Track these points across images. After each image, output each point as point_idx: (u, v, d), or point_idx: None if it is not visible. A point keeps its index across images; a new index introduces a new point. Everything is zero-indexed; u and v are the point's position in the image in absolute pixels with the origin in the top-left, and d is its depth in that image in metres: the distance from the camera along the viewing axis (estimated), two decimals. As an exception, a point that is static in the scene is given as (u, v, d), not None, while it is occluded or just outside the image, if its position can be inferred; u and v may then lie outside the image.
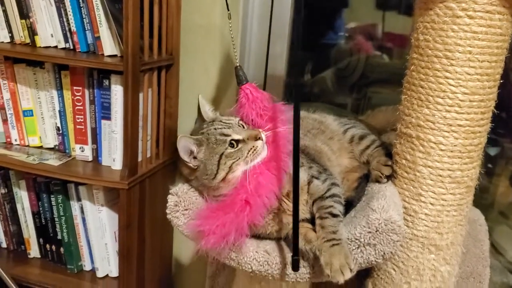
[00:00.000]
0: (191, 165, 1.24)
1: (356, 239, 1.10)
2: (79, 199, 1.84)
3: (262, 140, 1.20)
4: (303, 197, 1.20)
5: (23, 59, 1.79)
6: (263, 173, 1.15)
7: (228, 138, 1.21)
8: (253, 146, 1.20)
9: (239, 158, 1.18)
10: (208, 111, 1.35)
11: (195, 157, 1.24)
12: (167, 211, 1.20)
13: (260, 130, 1.22)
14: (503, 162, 2.16)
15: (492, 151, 2.11)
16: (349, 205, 1.23)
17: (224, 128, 1.23)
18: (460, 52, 1.01)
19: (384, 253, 1.10)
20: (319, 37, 2.36)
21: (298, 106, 0.98)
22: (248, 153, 1.18)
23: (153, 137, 1.87)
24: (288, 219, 1.19)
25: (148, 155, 1.86)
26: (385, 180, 1.24)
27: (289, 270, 1.13)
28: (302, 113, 1.33)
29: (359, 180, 1.32)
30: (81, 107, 1.77)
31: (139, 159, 1.79)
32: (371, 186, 1.24)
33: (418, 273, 1.18)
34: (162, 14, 1.79)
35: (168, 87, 1.90)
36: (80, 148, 1.81)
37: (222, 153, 1.20)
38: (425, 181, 1.14)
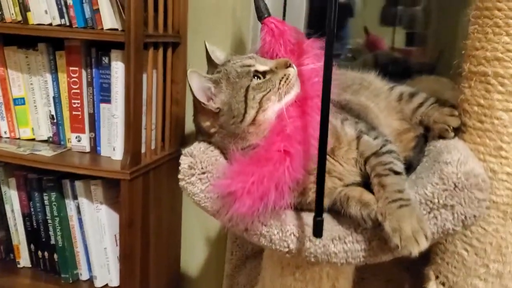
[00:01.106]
0: (212, 107, 1.02)
1: (428, 201, 0.86)
2: (75, 197, 1.63)
3: (294, 68, 1.00)
4: (351, 155, 0.99)
5: (14, 40, 1.62)
6: (301, 116, 0.93)
7: (252, 68, 1.01)
8: (285, 74, 0.99)
9: (270, 90, 0.97)
10: (219, 56, 1.14)
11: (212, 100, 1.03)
12: (180, 176, 0.96)
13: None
14: None
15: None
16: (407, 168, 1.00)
17: (245, 59, 1.03)
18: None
19: (465, 217, 0.86)
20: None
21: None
22: (280, 83, 0.97)
23: (158, 125, 1.67)
24: (334, 182, 0.96)
25: (153, 146, 1.66)
26: (452, 134, 1.02)
27: (317, 242, 0.89)
28: (338, 70, 1.11)
29: (416, 139, 1.10)
30: (78, 90, 1.58)
31: (143, 150, 1.59)
32: (433, 144, 1.02)
33: (500, 252, 0.93)
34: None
35: (174, 70, 1.71)
36: (76, 138, 1.61)
37: (248, 86, 0.99)
38: (506, 130, 0.91)
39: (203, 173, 0.93)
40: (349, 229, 0.92)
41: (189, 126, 1.82)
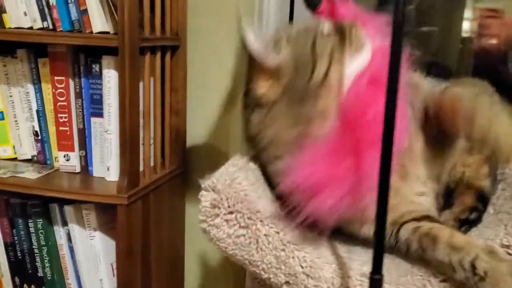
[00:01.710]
0: (273, 63, 0.85)
1: None
2: (64, 223, 1.43)
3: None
4: None
5: (-11, 48, 1.42)
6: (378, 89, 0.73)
7: (318, 24, 0.88)
8: (354, 29, 0.85)
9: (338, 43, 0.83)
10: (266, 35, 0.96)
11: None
12: (201, 217, 0.76)
13: None
14: None
15: None
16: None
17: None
18: None
19: None
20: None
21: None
22: (351, 32, 0.83)
23: (157, 140, 1.48)
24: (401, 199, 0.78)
25: (152, 163, 1.47)
26: None
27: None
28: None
29: (488, 161, 0.91)
30: (65, 103, 1.39)
31: (141, 168, 1.40)
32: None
33: None
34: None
35: (174, 77, 1.52)
36: (64, 157, 1.42)
37: (315, 38, 0.84)
38: None
39: (231, 212, 0.74)
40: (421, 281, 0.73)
41: (191, 139, 1.64)
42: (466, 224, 0.82)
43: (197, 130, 1.63)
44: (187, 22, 1.54)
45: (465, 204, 0.84)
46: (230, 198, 0.74)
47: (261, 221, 0.73)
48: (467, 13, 1.77)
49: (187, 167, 1.64)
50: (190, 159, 1.65)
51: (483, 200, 0.82)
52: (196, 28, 1.56)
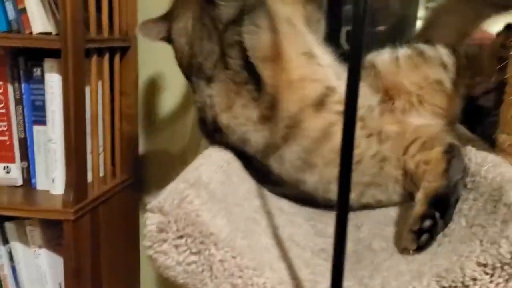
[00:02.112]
0: None
1: (505, 264, 0.61)
2: (6, 241, 1.33)
3: None
4: None
5: None
6: None
7: None
8: None
9: None
10: None
11: None
12: (147, 242, 0.67)
13: None
14: None
15: None
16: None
17: None
18: None
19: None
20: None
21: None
22: None
23: (107, 148, 1.39)
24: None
25: (101, 173, 1.37)
26: None
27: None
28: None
29: (447, 156, 0.84)
30: (3, 110, 1.28)
31: (89, 179, 1.31)
32: (479, 171, 0.77)
33: None
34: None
35: (123, 80, 1.43)
36: (4, 169, 1.31)
37: None
38: None
39: (181, 236, 0.66)
40: None
41: (144, 147, 1.55)
42: (424, 233, 0.75)
43: (151, 136, 1.54)
44: (138, 21, 1.44)
45: (416, 212, 0.77)
46: (179, 220, 0.66)
47: (215, 244, 0.65)
48: (421, 13, 1.76)
49: (140, 176, 1.55)
50: (144, 168, 1.56)
51: (440, 204, 0.76)
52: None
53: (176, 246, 0.65)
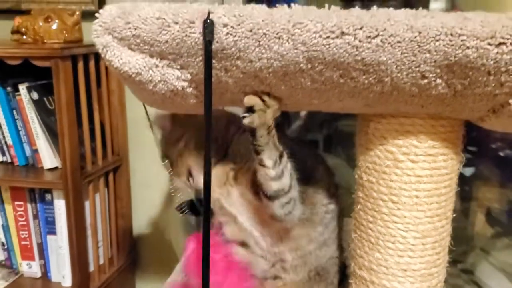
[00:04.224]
0: None
1: None
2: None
3: None
4: None
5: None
6: None
7: None
8: None
9: None
10: None
11: None
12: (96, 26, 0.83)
13: None
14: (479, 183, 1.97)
15: (468, 172, 1.95)
16: None
17: None
18: (406, 197, 0.93)
19: None
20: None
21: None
22: None
23: (105, 242, 1.76)
24: None
25: (101, 261, 1.75)
26: None
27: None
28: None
29: None
30: (25, 222, 1.66)
31: (91, 268, 1.69)
32: None
33: None
34: (104, 117, 1.69)
35: (118, 188, 1.80)
36: (27, 265, 1.70)
37: None
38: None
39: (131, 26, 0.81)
40: None
41: (137, 231, 1.92)
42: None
43: (143, 223, 1.92)
44: (128, 138, 1.80)
45: None
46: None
47: None
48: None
49: (135, 257, 1.92)
50: (138, 249, 1.94)
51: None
52: (136, 140, 1.82)
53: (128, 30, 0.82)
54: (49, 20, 1.48)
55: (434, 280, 1.01)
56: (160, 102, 0.94)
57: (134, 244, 1.93)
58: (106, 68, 1.67)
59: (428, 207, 0.95)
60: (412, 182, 0.93)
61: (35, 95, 1.54)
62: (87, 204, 1.64)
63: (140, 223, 1.91)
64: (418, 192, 0.94)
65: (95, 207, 1.67)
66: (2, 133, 1.61)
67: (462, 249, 1.50)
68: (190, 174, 1.10)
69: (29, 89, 1.53)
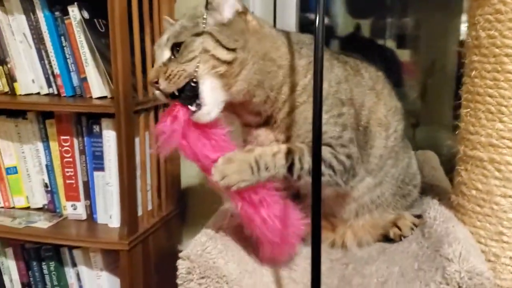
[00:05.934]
0: None
1: None
2: (74, 265, 1.60)
3: None
4: None
5: (2, 110, 1.59)
6: None
7: None
8: None
9: None
10: None
11: None
12: (178, 281, 0.93)
13: None
14: None
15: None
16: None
17: None
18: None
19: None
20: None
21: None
22: None
23: (154, 186, 1.64)
24: None
25: (149, 207, 1.63)
26: None
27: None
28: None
29: None
30: (70, 159, 1.56)
31: (139, 213, 1.57)
32: (430, 224, 0.98)
33: None
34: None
35: (167, 129, 1.68)
36: (72, 206, 1.59)
37: None
38: (506, 215, 0.90)
39: (202, 277, 0.90)
40: None
41: (186, 181, 1.80)
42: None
43: (191, 174, 1.79)
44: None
45: None
46: (200, 266, 0.90)
47: (227, 283, 0.89)
48: (464, 17, 1.84)
49: (183, 207, 1.80)
50: (186, 200, 1.81)
51: None
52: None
53: (200, 284, 0.90)
54: None
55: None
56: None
57: (183, 193, 1.80)
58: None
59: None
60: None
61: (86, 14, 1.45)
62: (137, 141, 1.53)
63: (189, 172, 1.79)
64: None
65: (145, 145, 1.56)
66: (50, 62, 1.52)
67: None
68: None
69: (80, 7, 1.43)
